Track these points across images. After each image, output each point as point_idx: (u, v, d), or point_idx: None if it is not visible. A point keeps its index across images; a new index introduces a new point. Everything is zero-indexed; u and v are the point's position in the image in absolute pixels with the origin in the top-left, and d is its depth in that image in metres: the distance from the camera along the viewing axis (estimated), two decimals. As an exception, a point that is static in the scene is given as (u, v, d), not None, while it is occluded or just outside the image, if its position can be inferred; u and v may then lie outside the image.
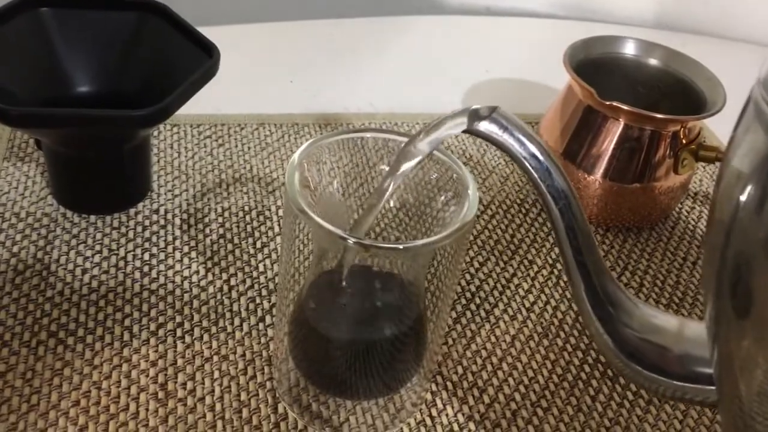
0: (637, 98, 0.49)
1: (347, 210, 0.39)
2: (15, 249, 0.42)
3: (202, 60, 0.42)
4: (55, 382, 0.36)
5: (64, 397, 0.35)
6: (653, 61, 0.51)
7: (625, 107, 0.45)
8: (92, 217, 0.44)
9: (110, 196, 0.45)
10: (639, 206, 0.48)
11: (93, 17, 0.45)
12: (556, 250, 0.48)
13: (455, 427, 0.37)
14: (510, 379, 0.39)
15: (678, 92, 0.50)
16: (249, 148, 0.52)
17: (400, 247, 0.30)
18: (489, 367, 0.40)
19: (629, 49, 0.51)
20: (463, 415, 0.37)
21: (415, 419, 0.37)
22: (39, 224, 0.43)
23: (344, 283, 0.34)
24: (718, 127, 0.60)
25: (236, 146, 0.52)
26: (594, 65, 0.50)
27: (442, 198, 0.33)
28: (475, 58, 0.68)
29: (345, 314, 0.34)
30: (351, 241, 0.28)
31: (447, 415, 0.37)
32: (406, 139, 0.31)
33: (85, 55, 0.45)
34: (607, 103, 0.45)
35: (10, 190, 0.45)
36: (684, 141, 0.47)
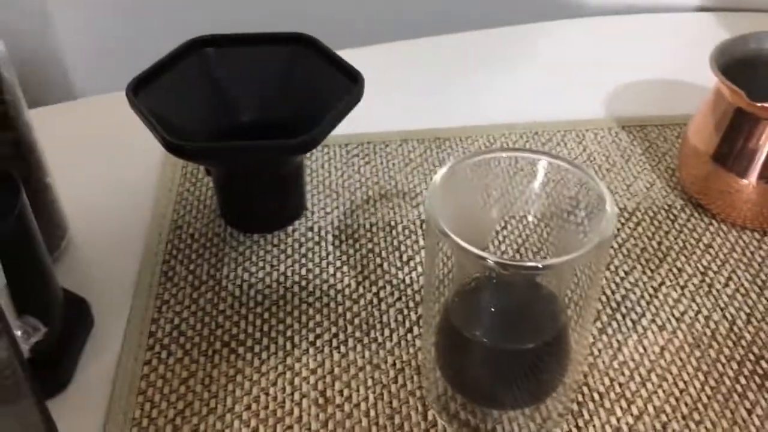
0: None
1: (490, 223, 0.40)
2: (192, 267, 0.47)
3: (349, 86, 0.45)
4: (229, 387, 0.40)
5: (237, 401, 0.39)
6: (809, 55, 0.48)
7: (778, 108, 0.43)
8: (255, 236, 0.49)
9: (271, 216, 0.49)
10: (798, 209, 0.46)
11: (251, 52, 0.49)
12: (707, 257, 0.46)
13: (602, 438, 0.37)
14: (659, 391, 0.39)
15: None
16: (393, 164, 0.55)
17: (540, 265, 0.31)
18: (637, 378, 0.40)
19: (785, 45, 0.49)
20: (611, 426, 0.37)
21: (562, 429, 0.37)
22: (210, 243, 0.48)
23: (489, 294, 0.35)
24: None
25: (381, 163, 0.55)
26: (746, 63, 0.48)
27: (582, 213, 0.34)
28: (618, 60, 0.66)
29: (490, 324, 0.36)
30: (491, 261, 0.30)
31: (594, 426, 0.37)
32: (536, 156, 0.32)
33: (246, 88, 0.49)
34: (759, 105, 0.44)
35: (185, 213, 0.51)
36: None
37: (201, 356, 0.41)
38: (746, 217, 0.48)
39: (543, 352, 0.35)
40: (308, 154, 0.56)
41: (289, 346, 0.42)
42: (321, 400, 0.39)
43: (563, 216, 0.35)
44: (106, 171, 0.55)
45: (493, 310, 0.36)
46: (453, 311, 0.35)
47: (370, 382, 0.40)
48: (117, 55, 0.69)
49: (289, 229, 0.49)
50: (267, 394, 0.39)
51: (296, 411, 0.38)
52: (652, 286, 0.45)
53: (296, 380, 0.40)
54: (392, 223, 0.50)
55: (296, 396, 0.39)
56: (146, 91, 0.45)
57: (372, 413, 0.38)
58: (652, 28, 0.72)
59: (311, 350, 0.41)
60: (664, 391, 0.39)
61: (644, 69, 0.64)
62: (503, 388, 0.36)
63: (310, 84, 0.48)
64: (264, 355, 0.41)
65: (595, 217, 0.32)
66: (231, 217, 0.50)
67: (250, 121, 0.50)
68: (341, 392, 0.39)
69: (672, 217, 0.49)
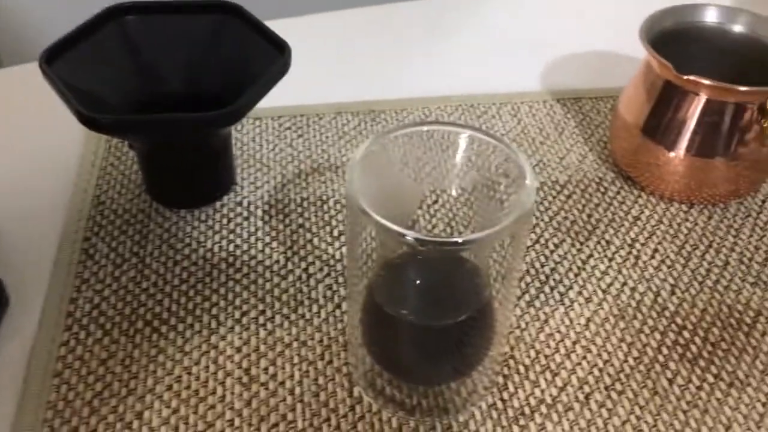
0: (722, 69, 0.47)
1: (415, 199, 0.40)
2: (114, 244, 0.45)
3: (276, 57, 0.44)
4: (151, 368, 0.39)
5: (158, 381, 0.38)
6: (738, 28, 0.48)
7: (705, 81, 0.44)
8: (182, 212, 0.47)
9: (197, 191, 0.48)
10: (724, 181, 0.47)
11: (175, 21, 0.47)
12: (635, 229, 0.47)
13: (527, 410, 0.37)
14: (584, 363, 0.39)
15: (766, 60, 0.47)
16: (327, 137, 0.54)
17: (459, 241, 0.30)
18: (562, 351, 0.40)
19: (711, 17, 0.49)
20: (535, 398, 0.38)
21: (487, 403, 0.37)
22: (134, 219, 0.47)
23: (413, 271, 0.35)
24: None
25: (315, 136, 0.54)
26: (674, 36, 0.49)
27: (503, 186, 0.33)
28: (554, 33, 0.66)
29: (414, 300, 0.35)
30: (410, 237, 0.29)
31: (518, 398, 0.38)
32: (458, 129, 0.31)
33: (169, 57, 0.47)
34: (686, 77, 0.44)
35: (108, 188, 0.49)
36: (772, 112, 0.45)
37: (121, 336, 0.40)
38: (674, 189, 0.48)
39: (468, 326, 0.35)
40: (238, 127, 0.54)
41: (214, 324, 0.41)
42: (245, 379, 0.38)
43: (487, 190, 0.35)
44: (26, 145, 0.52)
45: (417, 286, 0.35)
46: (377, 288, 0.35)
47: (296, 359, 0.39)
48: (40, 24, 0.66)
49: (218, 204, 0.48)
50: (190, 373, 0.38)
51: (219, 390, 0.38)
52: (580, 259, 0.45)
53: (220, 359, 0.39)
54: (324, 198, 0.49)
55: (220, 375, 0.38)
56: (62, 61, 0.43)
57: (297, 391, 0.38)
58: (588, 2, 0.72)
59: (237, 328, 0.41)
60: (588, 362, 0.39)
61: (580, 42, 0.64)
62: (429, 364, 0.36)
63: (236, 54, 0.47)
64: (188, 334, 0.40)
65: (516, 191, 0.32)
66: (156, 193, 0.48)
67: (176, 92, 0.48)
68: (266, 370, 0.39)
69: (602, 189, 0.50)
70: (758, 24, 0.48)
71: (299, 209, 0.48)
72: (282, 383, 0.38)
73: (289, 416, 0.37)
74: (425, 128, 0.33)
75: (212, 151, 0.47)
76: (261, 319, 0.41)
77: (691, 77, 0.44)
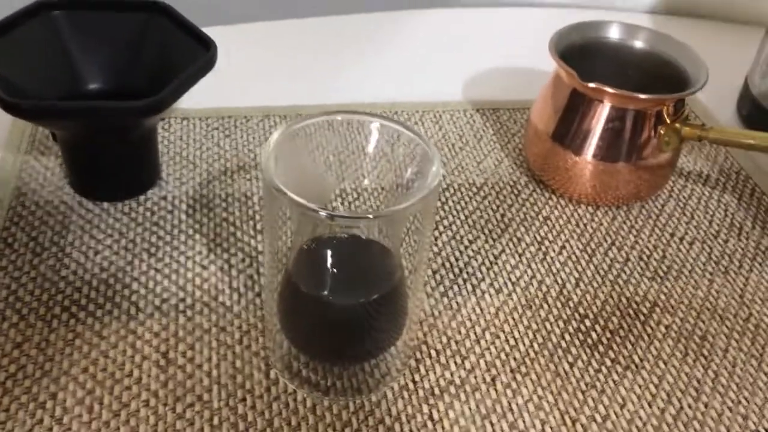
0: (627, 81, 0.50)
1: (329, 186, 0.42)
2: (34, 234, 0.45)
3: (203, 55, 0.45)
4: (67, 351, 0.39)
5: (74, 364, 0.38)
6: (639, 44, 0.52)
7: (607, 89, 0.47)
8: (105, 204, 0.48)
9: (121, 184, 0.48)
10: (626, 184, 0.50)
11: (102, 18, 0.48)
12: (545, 228, 0.50)
13: (436, 391, 0.39)
14: (492, 348, 0.41)
15: (665, 73, 0.51)
16: (254, 138, 0.55)
17: (370, 216, 0.32)
18: (472, 337, 0.42)
19: (614, 33, 0.53)
20: (444, 380, 0.39)
21: (399, 384, 0.39)
22: (56, 211, 0.47)
23: (327, 252, 0.36)
24: (714, 106, 0.61)
25: (242, 137, 0.55)
26: (582, 50, 0.52)
27: (411, 173, 0.35)
28: (475, 49, 0.69)
29: (328, 279, 0.37)
30: (322, 213, 0.31)
31: (429, 380, 0.39)
32: (369, 118, 0.33)
33: (96, 54, 0.48)
34: (590, 85, 0.47)
35: (31, 181, 0.49)
36: (668, 120, 0.48)
37: (38, 321, 0.40)
38: (581, 192, 0.51)
39: (379, 305, 0.36)
40: (165, 125, 0.55)
41: (133, 310, 0.41)
42: (163, 362, 0.39)
43: (397, 176, 0.37)
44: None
45: (331, 267, 0.37)
46: (294, 270, 0.36)
47: (214, 344, 0.40)
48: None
49: (141, 198, 0.49)
50: (107, 356, 0.39)
51: (136, 372, 0.38)
52: (492, 254, 0.47)
53: (138, 343, 0.40)
54: (248, 194, 0.50)
55: (137, 358, 0.39)
56: (-14, 51, 0.43)
57: (215, 373, 0.38)
58: (505, 20, 0.75)
59: (156, 314, 0.41)
60: (496, 348, 0.41)
61: (499, 57, 0.68)
62: (342, 344, 0.38)
63: (164, 53, 0.48)
64: (106, 320, 0.41)
65: (424, 176, 0.34)
66: (79, 185, 0.48)
67: (102, 89, 0.49)
68: (184, 354, 0.39)
69: (516, 192, 0.52)
70: (657, 40, 0.52)
71: (223, 204, 0.49)
72: (200, 366, 0.39)
73: (206, 396, 0.37)
74: (339, 117, 0.35)
75: (136, 144, 0.47)
76: (181, 306, 0.42)
77: (595, 85, 0.47)
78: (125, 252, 0.45)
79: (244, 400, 0.37)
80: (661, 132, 0.48)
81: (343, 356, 0.38)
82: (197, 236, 0.46)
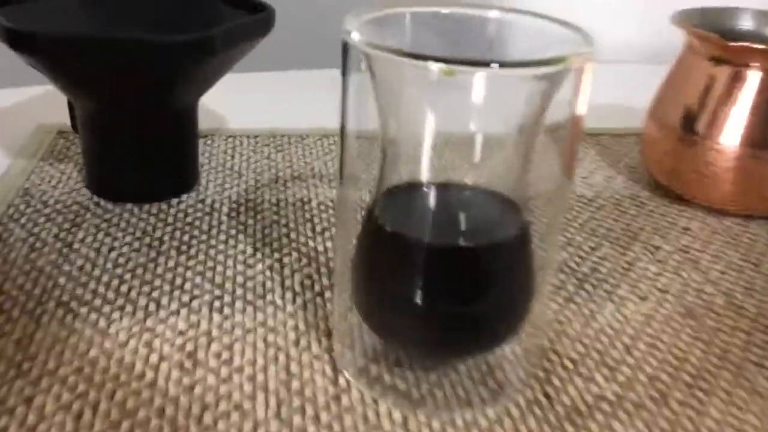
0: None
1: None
2: (36, 230, 0.36)
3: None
4: (57, 349, 0.28)
5: (64, 364, 0.27)
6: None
7: (760, 46, 0.37)
8: (129, 205, 0.38)
9: (148, 181, 0.39)
10: (786, 182, 0.39)
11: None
12: (686, 237, 0.38)
13: (582, 407, 0.26)
14: (651, 359, 0.29)
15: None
16: (311, 152, 0.46)
17: (496, 66, 0.21)
18: (619, 346, 0.30)
19: (746, 22, 0.44)
20: (591, 394, 0.27)
21: (525, 397, 0.27)
22: (67, 210, 0.38)
23: (426, 197, 0.26)
24: None
25: (296, 151, 0.46)
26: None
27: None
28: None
29: (428, 220, 0.26)
30: (435, 67, 0.21)
31: (568, 394, 0.27)
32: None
33: (132, 15, 0.41)
34: (737, 44, 0.38)
35: (42, 183, 0.40)
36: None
37: (23, 315, 0.29)
38: (725, 197, 0.40)
39: (494, 258, 0.25)
40: (209, 141, 0.47)
41: (152, 306, 0.30)
42: (188, 363, 0.27)
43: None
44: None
45: (430, 206, 0.26)
46: (379, 213, 0.26)
47: (260, 345, 0.28)
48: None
49: (173, 201, 0.39)
50: (111, 356, 0.28)
51: (149, 374, 0.27)
52: (625, 261, 0.36)
53: (156, 342, 0.28)
54: (305, 200, 0.40)
55: (153, 358, 0.28)
56: (17, 8, 0.37)
57: (260, 378, 0.27)
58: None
59: (183, 311, 0.30)
60: (656, 359, 0.29)
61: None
62: (442, 318, 0.26)
63: (209, 17, 0.40)
64: (115, 316, 0.30)
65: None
66: (98, 182, 0.39)
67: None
68: (218, 355, 0.28)
69: (638, 204, 0.42)
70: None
71: (274, 208, 0.39)
72: (239, 369, 0.27)
73: (246, 405, 0.26)
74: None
75: (169, 130, 0.39)
76: (217, 303, 0.31)
77: (743, 44, 0.37)
78: (148, 249, 0.35)
79: (302, 409, 0.25)
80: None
81: (444, 340, 0.26)
82: (240, 236, 0.36)
